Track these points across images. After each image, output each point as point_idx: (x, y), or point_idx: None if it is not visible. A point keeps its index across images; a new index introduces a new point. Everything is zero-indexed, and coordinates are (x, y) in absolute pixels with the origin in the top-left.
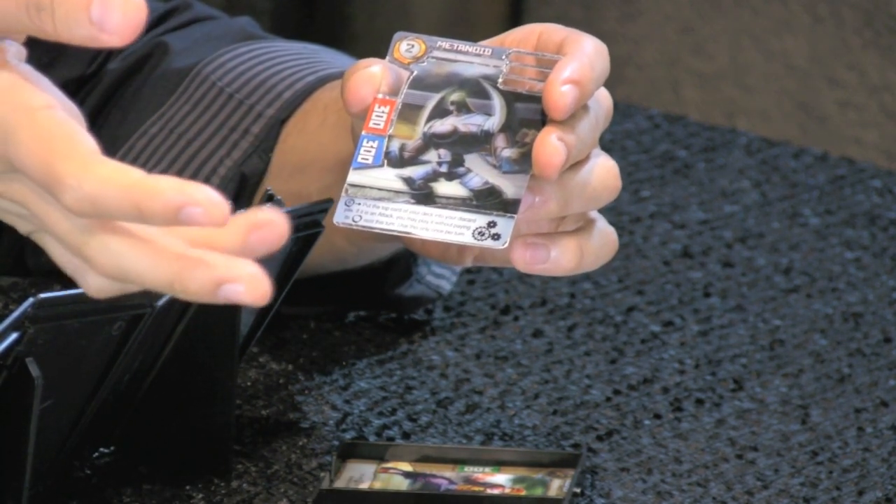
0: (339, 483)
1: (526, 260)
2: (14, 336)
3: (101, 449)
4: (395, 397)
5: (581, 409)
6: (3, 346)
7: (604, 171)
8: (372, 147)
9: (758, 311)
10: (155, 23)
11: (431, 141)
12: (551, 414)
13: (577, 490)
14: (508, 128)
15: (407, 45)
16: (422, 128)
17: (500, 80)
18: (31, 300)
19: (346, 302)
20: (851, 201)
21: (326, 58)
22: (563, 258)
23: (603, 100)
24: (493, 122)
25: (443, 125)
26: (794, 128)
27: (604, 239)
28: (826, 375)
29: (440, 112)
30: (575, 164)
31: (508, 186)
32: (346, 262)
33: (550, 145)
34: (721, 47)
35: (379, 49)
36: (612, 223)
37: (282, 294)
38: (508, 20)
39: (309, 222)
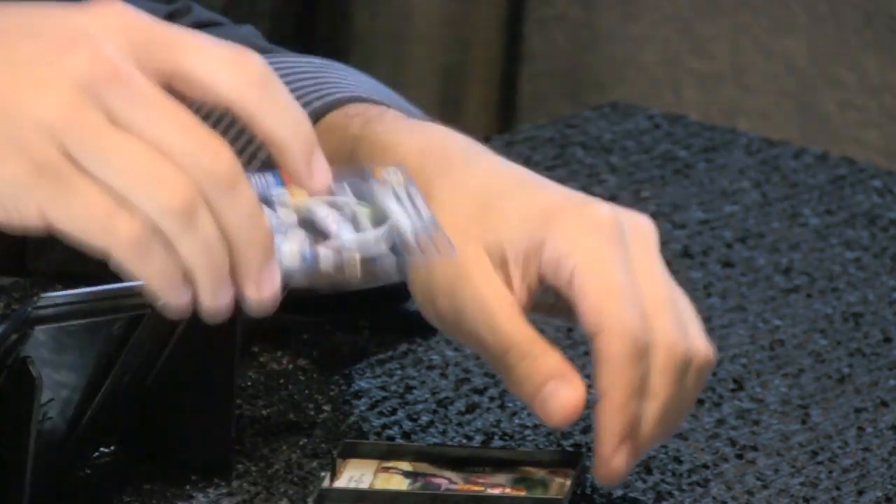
0: (340, 482)
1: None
2: (14, 336)
3: (102, 448)
4: (395, 397)
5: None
6: (4, 346)
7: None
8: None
9: (758, 311)
10: None
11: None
12: None
13: (577, 490)
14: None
15: (390, 171)
16: (310, 202)
17: (406, 237)
18: (32, 300)
19: (353, 314)
20: (851, 201)
21: (332, 77)
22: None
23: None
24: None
25: (320, 208)
26: (794, 128)
27: None
28: (826, 375)
29: (336, 206)
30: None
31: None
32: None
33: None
34: (721, 47)
35: (379, 49)
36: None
37: (282, 294)
38: (508, 20)
39: None
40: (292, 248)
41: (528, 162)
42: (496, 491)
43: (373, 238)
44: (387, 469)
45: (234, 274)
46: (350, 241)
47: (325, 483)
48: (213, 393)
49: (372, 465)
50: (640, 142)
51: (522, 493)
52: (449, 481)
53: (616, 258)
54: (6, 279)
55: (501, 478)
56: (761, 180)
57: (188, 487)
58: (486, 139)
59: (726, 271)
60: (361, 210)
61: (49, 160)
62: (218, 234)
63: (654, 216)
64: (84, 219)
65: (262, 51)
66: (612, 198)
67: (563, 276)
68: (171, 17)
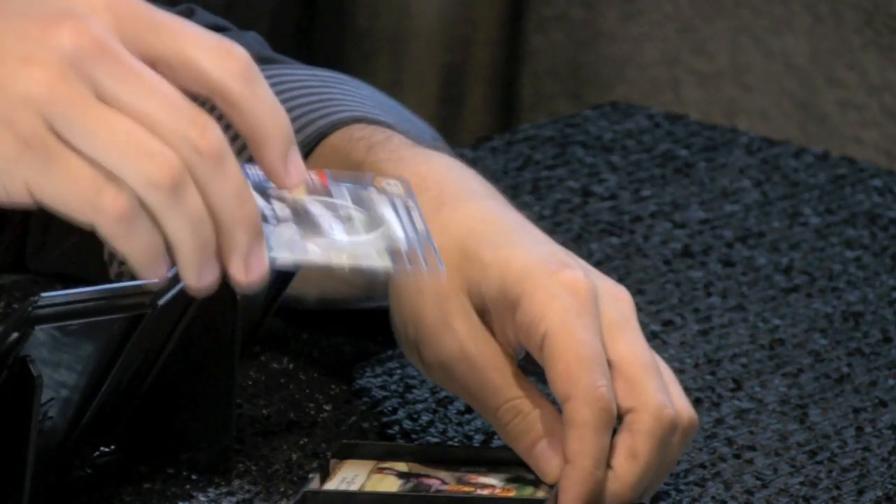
0: (332, 483)
1: None
2: (15, 336)
3: (102, 448)
4: (396, 397)
5: None
6: (4, 346)
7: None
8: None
9: (758, 311)
10: None
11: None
12: None
13: None
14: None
15: (391, 183)
16: (305, 199)
17: (397, 246)
18: (31, 300)
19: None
20: (851, 201)
21: (337, 93)
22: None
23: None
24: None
25: (315, 206)
26: (795, 127)
27: None
28: (825, 375)
29: (332, 208)
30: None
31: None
32: (356, 301)
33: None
34: (721, 47)
35: (379, 49)
36: (612, 222)
37: (280, 295)
38: (508, 20)
39: None
40: (281, 238)
41: (528, 161)
42: (486, 492)
43: (364, 242)
44: (381, 470)
45: (221, 253)
46: (341, 242)
47: (313, 485)
48: (213, 393)
49: (368, 465)
50: (640, 141)
51: (511, 494)
52: (441, 482)
53: (586, 325)
54: (6, 279)
55: (495, 478)
56: (761, 180)
57: (188, 487)
58: (486, 139)
59: (726, 271)
60: (356, 215)
61: (35, 135)
62: (204, 210)
63: (654, 216)
64: (70, 193)
65: (266, 60)
66: (612, 197)
67: (535, 341)
68: None
